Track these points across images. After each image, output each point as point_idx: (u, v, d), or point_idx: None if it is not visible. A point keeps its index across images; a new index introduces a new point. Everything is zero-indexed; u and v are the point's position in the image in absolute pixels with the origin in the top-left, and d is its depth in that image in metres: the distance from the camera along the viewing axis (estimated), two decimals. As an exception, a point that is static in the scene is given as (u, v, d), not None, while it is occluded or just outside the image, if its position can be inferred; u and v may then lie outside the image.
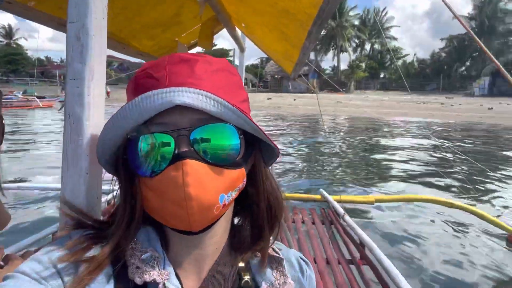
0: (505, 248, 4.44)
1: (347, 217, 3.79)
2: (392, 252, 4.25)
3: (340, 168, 10.12)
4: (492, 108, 32.48)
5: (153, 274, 0.59)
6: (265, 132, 0.64)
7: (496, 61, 1.63)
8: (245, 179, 0.65)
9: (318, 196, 4.96)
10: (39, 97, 30.16)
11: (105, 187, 0.85)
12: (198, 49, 3.40)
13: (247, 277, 0.67)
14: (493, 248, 4.47)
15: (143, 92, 0.57)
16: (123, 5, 1.96)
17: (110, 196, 0.72)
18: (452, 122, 22.92)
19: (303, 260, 0.78)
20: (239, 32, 3.40)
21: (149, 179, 0.58)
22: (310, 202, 5.05)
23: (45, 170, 7.99)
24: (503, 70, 1.51)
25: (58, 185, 0.76)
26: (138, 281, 0.59)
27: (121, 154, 0.62)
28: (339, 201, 4.49)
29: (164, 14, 2.34)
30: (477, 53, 61.43)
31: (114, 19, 2.00)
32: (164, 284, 0.58)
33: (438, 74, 63.86)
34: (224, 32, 3.19)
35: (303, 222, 4.05)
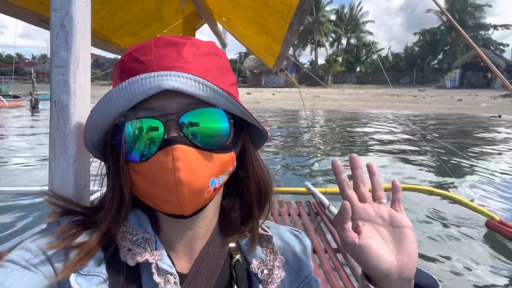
0: (484, 233, 4.56)
1: (332, 208, 3.85)
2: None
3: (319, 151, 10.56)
4: (461, 100, 33.90)
5: (145, 255, 0.59)
6: (254, 115, 0.65)
7: (477, 47, 1.68)
8: (235, 163, 0.66)
9: (303, 189, 5.01)
10: (14, 96, 29.12)
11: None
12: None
13: (238, 256, 0.69)
14: (472, 233, 4.59)
15: (130, 76, 0.56)
16: (104, 1, 1.95)
17: (94, 197, 0.73)
18: (424, 113, 23.67)
19: (294, 230, 0.81)
20: (220, 27, 3.40)
21: (139, 165, 0.58)
22: (295, 195, 5.10)
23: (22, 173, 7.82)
24: (483, 55, 1.57)
25: (40, 188, 0.76)
26: (131, 262, 0.59)
27: (109, 140, 0.62)
28: (324, 193, 4.55)
29: (145, 10, 2.33)
30: (448, 46, 64.22)
31: (95, 15, 1.99)
32: (157, 264, 0.59)
33: (411, 68, 65.80)
34: (203, 27, 3.19)
35: (289, 214, 4.09)
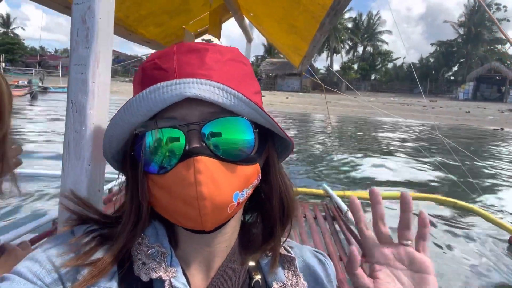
0: (507, 249, 4.41)
1: (350, 214, 3.76)
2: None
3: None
4: (469, 112, 34.34)
5: (159, 271, 0.56)
6: (280, 125, 0.60)
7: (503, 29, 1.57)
8: (260, 175, 0.62)
9: (321, 191, 4.93)
10: (43, 88, 30.47)
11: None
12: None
13: (257, 277, 0.64)
14: (494, 249, 4.44)
15: (151, 84, 0.54)
16: (131, -10, 1.91)
17: (110, 185, 0.69)
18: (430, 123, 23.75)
19: (318, 253, 0.75)
20: (247, 21, 3.34)
21: (159, 177, 0.55)
22: (312, 196, 5.02)
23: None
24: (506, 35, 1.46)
25: (58, 172, 0.72)
26: (144, 278, 0.56)
27: (128, 150, 0.58)
28: (342, 197, 4.46)
29: (172, 1, 2.29)
30: (463, 59, 64.22)
31: (122, 4, 1.96)
32: (170, 282, 0.56)
33: (426, 78, 65.49)
34: (229, 21, 3.14)
35: (305, 217, 4.01)
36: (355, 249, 0.54)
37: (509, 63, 59.85)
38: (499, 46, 62.49)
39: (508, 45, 61.19)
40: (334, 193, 4.57)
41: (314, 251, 0.75)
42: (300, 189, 5.04)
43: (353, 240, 3.39)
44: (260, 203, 0.69)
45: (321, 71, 67.53)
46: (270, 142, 0.64)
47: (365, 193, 5.30)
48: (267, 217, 0.67)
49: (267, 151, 0.64)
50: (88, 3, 0.73)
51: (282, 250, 0.68)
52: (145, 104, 0.53)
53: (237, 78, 0.59)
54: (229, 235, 0.64)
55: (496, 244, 4.54)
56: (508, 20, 62.21)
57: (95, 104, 0.75)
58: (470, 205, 4.72)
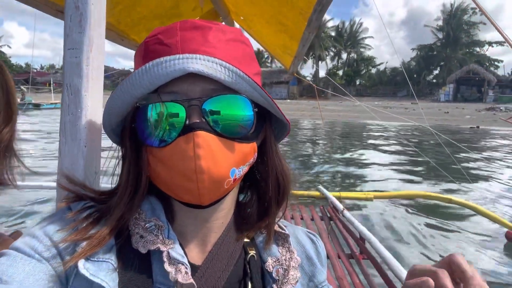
0: (504, 244, 4.43)
1: (346, 212, 3.78)
2: (391, 247, 4.24)
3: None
4: (448, 112, 35.94)
5: (157, 243, 0.57)
6: (278, 106, 0.62)
7: (495, 23, 1.61)
8: (256, 154, 0.63)
9: (316, 193, 4.95)
10: (36, 105, 30.28)
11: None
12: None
13: (252, 252, 0.66)
14: (492, 244, 4.46)
15: (154, 58, 0.55)
16: (122, -6, 1.95)
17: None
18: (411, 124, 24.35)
19: (310, 233, 0.77)
20: (237, 26, 3.39)
21: (158, 150, 0.56)
22: (308, 199, 5.03)
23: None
24: (497, 25, 1.50)
25: (55, 184, 0.74)
26: (142, 250, 0.57)
27: (128, 123, 0.59)
28: (338, 198, 4.48)
29: (163, 5, 2.33)
30: (443, 62, 66.37)
31: (113, 9, 1.99)
32: (168, 253, 0.57)
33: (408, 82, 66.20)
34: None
35: (301, 218, 4.03)
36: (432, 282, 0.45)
37: (487, 64, 61.65)
38: (478, 49, 64.44)
39: (486, 47, 63.34)
40: (329, 194, 4.59)
41: (307, 231, 0.78)
42: (295, 191, 5.03)
43: (350, 238, 3.41)
44: (255, 183, 0.70)
45: (308, 78, 68.36)
46: (268, 123, 0.66)
47: (359, 193, 5.33)
48: (262, 196, 0.69)
49: (265, 131, 0.65)
50: (80, -11, 0.76)
51: (276, 228, 0.70)
52: (148, 77, 0.53)
53: (238, 58, 0.60)
54: (225, 211, 0.65)
55: (493, 239, 4.56)
56: (484, 24, 63.68)
57: (89, 87, 0.77)
58: (466, 201, 4.75)
